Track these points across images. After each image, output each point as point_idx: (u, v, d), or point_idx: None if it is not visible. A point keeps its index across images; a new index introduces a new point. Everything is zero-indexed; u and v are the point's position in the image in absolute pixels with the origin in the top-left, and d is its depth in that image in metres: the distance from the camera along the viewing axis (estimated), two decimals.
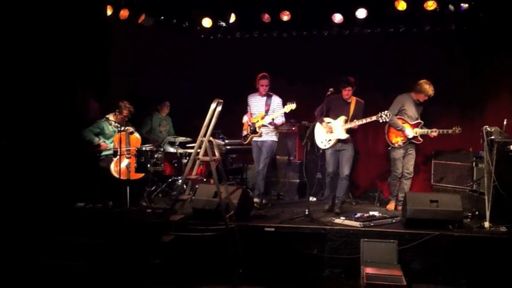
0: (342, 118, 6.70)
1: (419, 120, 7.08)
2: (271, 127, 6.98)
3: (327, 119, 6.79)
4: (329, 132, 6.76)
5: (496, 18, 7.30)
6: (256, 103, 7.12)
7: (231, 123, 7.77)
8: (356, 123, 6.60)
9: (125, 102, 7.09)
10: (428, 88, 6.93)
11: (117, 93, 7.40)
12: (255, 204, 6.80)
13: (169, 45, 8.65)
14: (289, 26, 8.36)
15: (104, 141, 7.09)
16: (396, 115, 7.04)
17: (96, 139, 7.05)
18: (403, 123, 7.03)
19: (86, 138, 7.01)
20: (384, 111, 6.47)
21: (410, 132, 6.97)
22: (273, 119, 6.88)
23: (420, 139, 7.03)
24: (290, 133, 8.27)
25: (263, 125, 6.96)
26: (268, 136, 7.01)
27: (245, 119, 7.14)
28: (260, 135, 6.99)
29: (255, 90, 7.14)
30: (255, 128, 6.98)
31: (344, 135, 6.69)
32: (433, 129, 6.95)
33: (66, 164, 6.39)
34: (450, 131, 6.90)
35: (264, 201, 7.16)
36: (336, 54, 8.34)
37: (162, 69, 8.51)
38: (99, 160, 7.07)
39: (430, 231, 5.58)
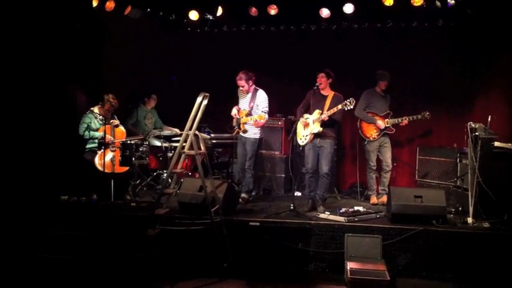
0: (316, 111, 6.62)
1: (388, 111, 7.30)
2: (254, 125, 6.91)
3: (305, 115, 6.74)
4: (306, 127, 6.70)
5: (483, 14, 7.33)
6: (242, 99, 7.10)
7: (217, 116, 7.72)
8: (325, 114, 6.49)
9: (109, 95, 7.01)
10: (386, 75, 7.27)
11: (109, 86, 7.31)
12: (241, 200, 6.76)
13: (157, 38, 8.57)
14: (277, 20, 8.31)
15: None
16: (365, 110, 7.30)
17: (97, 134, 6.95)
18: (373, 116, 7.25)
19: (87, 137, 6.94)
20: (348, 98, 6.37)
21: (381, 123, 7.19)
22: (256, 120, 6.77)
23: (393, 129, 7.27)
24: (276, 127, 8.24)
25: (246, 123, 6.93)
26: (251, 133, 6.98)
27: (234, 111, 7.06)
28: (244, 132, 6.98)
29: None
30: (239, 124, 6.97)
31: (317, 129, 6.57)
32: (404, 117, 7.22)
33: (50, 156, 6.31)
34: (420, 116, 7.19)
35: (250, 198, 7.14)
36: (324, 49, 8.32)
37: (151, 63, 8.43)
38: (84, 153, 7.00)
39: (415, 226, 5.62)
